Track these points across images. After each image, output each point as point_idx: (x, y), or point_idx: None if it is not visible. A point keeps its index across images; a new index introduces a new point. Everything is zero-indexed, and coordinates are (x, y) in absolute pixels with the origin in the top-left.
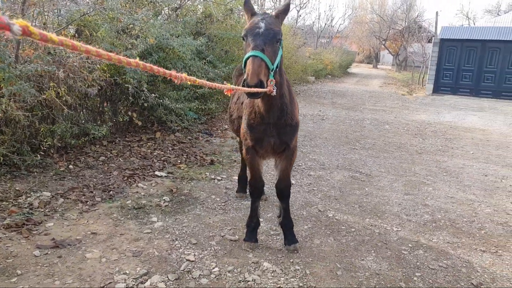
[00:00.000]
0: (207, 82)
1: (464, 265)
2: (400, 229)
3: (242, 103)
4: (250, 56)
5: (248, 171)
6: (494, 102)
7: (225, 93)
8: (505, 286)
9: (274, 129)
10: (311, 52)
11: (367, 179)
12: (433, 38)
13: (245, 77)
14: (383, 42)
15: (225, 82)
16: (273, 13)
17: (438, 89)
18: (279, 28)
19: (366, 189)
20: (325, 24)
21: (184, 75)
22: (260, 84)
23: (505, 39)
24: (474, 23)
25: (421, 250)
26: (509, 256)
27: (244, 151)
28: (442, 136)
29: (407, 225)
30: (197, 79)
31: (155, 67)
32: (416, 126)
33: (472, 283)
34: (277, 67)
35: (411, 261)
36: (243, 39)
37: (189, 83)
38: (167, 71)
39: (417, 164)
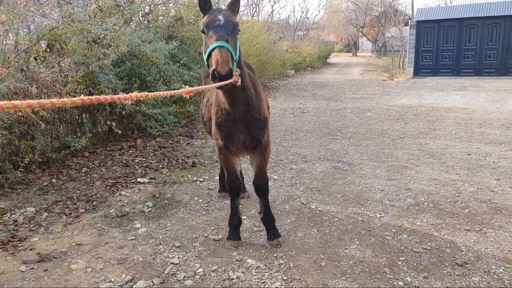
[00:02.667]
0: (161, 93)
1: (449, 245)
2: (383, 215)
3: (211, 104)
4: (216, 46)
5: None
6: (476, 80)
7: (184, 96)
8: (490, 263)
9: (243, 125)
10: (288, 46)
11: (349, 168)
12: (409, 21)
13: (214, 67)
14: (361, 29)
15: (196, 84)
16: (227, 7)
17: (418, 72)
18: (237, 21)
19: (349, 178)
20: (301, 16)
21: (135, 93)
22: (230, 73)
23: (482, 15)
24: (451, 2)
25: (405, 234)
26: (494, 233)
27: (217, 151)
28: (424, 118)
29: (390, 211)
30: (149, 93)
31: (101, 96)
32: (397, 111)
33: (457, 263)
34: (238, 58)
35: (395, 246)
36: (203, 32)
37: (142, 98)
38: (115, 96)
39: (399, 149)
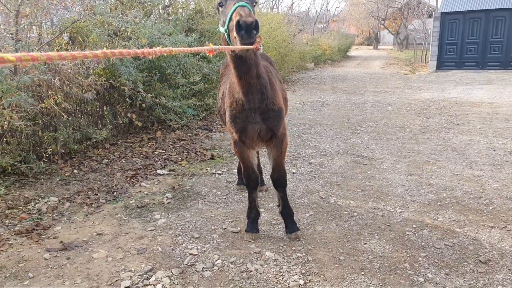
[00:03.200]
0: (185, 49)
1: (471, 242)
2: (403, 210)
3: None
4: (238, 5)
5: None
6: (502, 74)
7: (207, 54)
8: None
9: (257, 115)
10: (308, 39)
11: (369, 162)
12: (433, 13)
13: (238, 18)
14: (382, 22)
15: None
16: None
17: (441, 65)
18: None
19: (369, 172)
20: (321, 9)
21: (159, 48)
22: (256, 25)
23: (510, 6)
24: None
25: (426, 230)
26: None
27: (232, 145)
28: (447, 113)
29: (411, 206)
30: (174, 49)
31: (124, 50)
32: (419, 105)
33: (480, 260)
34: None
35: (416, 241)
36: (220, 5)
37: (165, 54)
38: (138, 51)
39: (421, 144)
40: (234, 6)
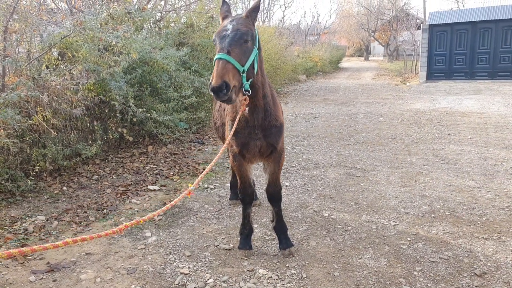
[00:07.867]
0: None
1: (466, 255)
2: (398, 223)
3: (224, 110)
4: (216, 59)
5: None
6: (490, 84)
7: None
8: (510, 273)
9: (260, 131)
10: (299, 51)
11: (362, 174)
12: (421, 25)
13: (210, 80)
14: (372, 33)
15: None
16: (244, 14)
17: (431, 75)
18: (248, 28)
19: (362, 184)
20: (312, 21)
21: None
22: (225, 86)
23: (495, 18)
24: (463, 6)
25: (421, 243)
26: None
27: (230, 158)
28: (438, 123)
29: (405, 218)
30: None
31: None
32: (411, 116)
33: (475, 273)
34: (252, 67)
35: (411, 255)
36: (214, 43)
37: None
38: (101, 233)
39: (413, 155)
40: (216, 55)
